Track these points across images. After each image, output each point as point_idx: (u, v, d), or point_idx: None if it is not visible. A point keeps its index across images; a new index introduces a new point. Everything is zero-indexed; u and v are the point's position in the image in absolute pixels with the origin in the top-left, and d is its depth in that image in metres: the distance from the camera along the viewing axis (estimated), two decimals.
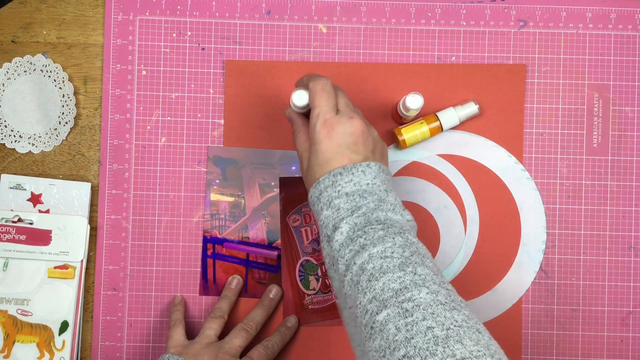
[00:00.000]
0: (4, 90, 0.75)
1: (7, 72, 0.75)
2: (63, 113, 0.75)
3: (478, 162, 0.76)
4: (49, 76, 0.75)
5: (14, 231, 0.73)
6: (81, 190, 0.74)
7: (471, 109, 0.74)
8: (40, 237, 0.73)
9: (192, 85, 0.76)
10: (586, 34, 0.76)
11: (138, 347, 0.75)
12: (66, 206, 0.74)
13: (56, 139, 0.75)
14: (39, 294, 0.73)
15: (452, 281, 0.75)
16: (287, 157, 0.75)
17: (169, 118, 0.76)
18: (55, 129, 0.75)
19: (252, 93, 0.76)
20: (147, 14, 0.76)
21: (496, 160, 0.76)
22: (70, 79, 0.76)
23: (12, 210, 0.73)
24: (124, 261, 0.75)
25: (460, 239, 0.76)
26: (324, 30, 0.76)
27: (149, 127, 0.76)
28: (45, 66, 0.75)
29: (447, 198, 0.76)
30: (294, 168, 0.75)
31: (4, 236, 0.72)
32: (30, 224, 0.73)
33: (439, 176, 0.76)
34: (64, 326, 0.73)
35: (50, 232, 0.73)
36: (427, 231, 0.75)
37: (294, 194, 0.75)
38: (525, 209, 0.76)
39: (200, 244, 0.75)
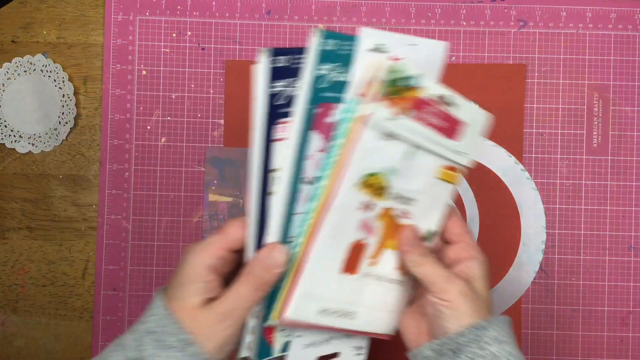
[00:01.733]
0: (4, 90, 0.75)
1: (7, 72, 0.75)
2: (63, 113, 0.75)
3: (478, 162, 0.76)
4: (49, 76, 0.75)
5: (439, 114, 0.54)
6: (437, 51, 0.55)
7: None
8: (453, 128, 0.55)
9: (192, 85, 0.76)
10: (586, 34, 0.76)
11: None
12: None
13: (56, 139, 0.75)
14: (423, 195, 0.56)
15: None
16: None
17: (169, 118, 0.76)
18: (55, 129, 0.75)
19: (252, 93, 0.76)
20: (147, 14, 0.76)
21: (496, 160, 0.76)
22: (70, 79, 0.76)
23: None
24: (124, 261, 0.75)
25: None
26: None
27: (149, 127, 0.76)
28: (45, 66, 0.75)
29: None
30: None
31: (428, 117, 0.53)
32: (447, 107, 0.54)
33: None
34: (429, 236, 0.58)
35: (461, 123, 0.55)
36: None
37: None
38: (525, 209, 0.76)
39: None
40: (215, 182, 0.75)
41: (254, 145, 0.51)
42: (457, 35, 0.76)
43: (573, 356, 0.75)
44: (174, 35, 0.76)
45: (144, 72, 0.76)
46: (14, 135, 0.75)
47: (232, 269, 0.53)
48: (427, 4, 0.76)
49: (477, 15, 0.76)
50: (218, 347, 0.51)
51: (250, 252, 0.52)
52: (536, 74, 0.76)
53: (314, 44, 0.50)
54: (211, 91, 0.76)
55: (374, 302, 0.56)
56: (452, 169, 0.56)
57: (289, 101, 0.51)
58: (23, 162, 0.76)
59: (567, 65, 0.76)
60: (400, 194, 0.54)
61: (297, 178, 0.51)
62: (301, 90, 0.51)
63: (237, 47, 0.76)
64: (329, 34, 0.50)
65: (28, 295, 0.75)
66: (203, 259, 0.51)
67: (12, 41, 0.76)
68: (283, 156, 0.51)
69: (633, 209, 0.76)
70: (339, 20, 0.76)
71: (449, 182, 0.56)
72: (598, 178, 0.76)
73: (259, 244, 0.52)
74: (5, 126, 0.75)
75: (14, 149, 0.75)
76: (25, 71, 0.75)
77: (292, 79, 0.51)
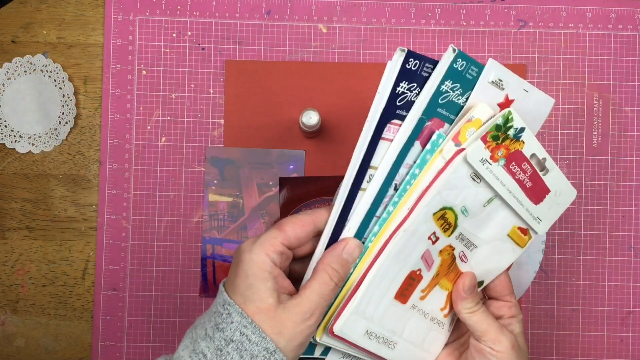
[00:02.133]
0: (4, 90, 0.75)
1: (7, 72, 0.75)
2: (63, 113, 0.75)
3: None
4: (49, 76, 0.75)
5: (529, 174, 0.54)
6: (545, 105, 0.56)
7: None
8: (539, 193, 0.56)
9: (192, 85, 0.76)
10: (586, 34, 0.76)
11: (138, 347, 0.75)
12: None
13: (56, 139, 0.75)
14: (489, 245, 0.57)
15: None
16: (284, 156, 0.75)
17: (169, 118, 0.76)
18: (55, 129, 0.75)
19: (252, 93, 0.76)
20: (147, 14, 0.76)
21: None
22: (70, 79, 0.76)
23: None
24: (124, 261, 0.75)
25: None
26: (324, 30, 0.76)
27: (149, 127, 0.76)
28: (45, 66, 0.75)
29: None
30: (291, 167, 0.75)
31: (518, 174, 0.54)
32: (541, 167, 0.55)
33: None
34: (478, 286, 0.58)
35: (548, 192, 0.56)
36: None
37: (294, 194, 0.75)
38: None
39: (200, 244, 0.75)
40: (215, 182, 0.75)
41: (362, 137, 0.51)
42: (457, 35, 0.76)
43: (573, 356, 0.75)
44: (174, 35, 0.76)
45: (144, 72, 0.76)
46: (14, 135, 0.75)
47: (287, 267, 0.52)
48: (427, 4, 0.76)
49: (477, 15, 0.76)
50: (297, 347, 0.50)
51: (324, 242, 0.52)
52: (536, 74, 0.76)
53: (446, 59, 0.50)
54: (211, 91, 0.76)
55: (413, 337, 0.56)
56: (524, 231, 0.57)
57: (407, 105, 0.51)
58: (23, 162, 0.76)
59: (567, 65, 0.76)
60: (466, 236, 0.55)
61: (390, 182, 0.52)
62: (421, 98, 0.51)
63: (237, 47, 0.76)
64: (462, 55, 0.50)
65: (28, 295, 0.75)
66: (267, 255, 0.49)
67: (12, 41, 0.76)
68: (384, 156, 0.51)
69: (633, 209, 0.76)
70: (339, 20, 0.76)
71: (516, 243, 0.57)
72: (598, 178, 0.76)
73: (336, 236, 0.52)
74: (5, 126, 0.75)
75: (14, 149, 0.75)
76: (25, 71, 0.75)
77: (415, 85, 0.51)
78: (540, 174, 0.55)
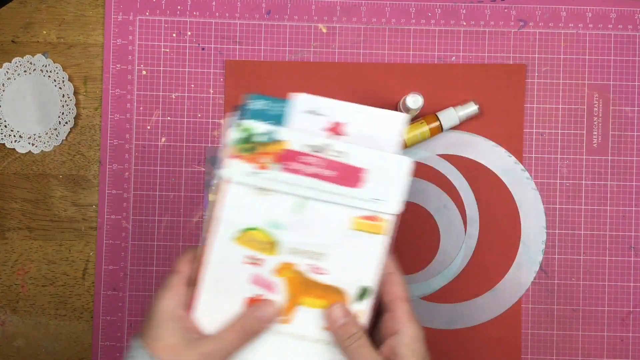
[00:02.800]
0: (4, 90, 0.75)
1: (7, 72, 0.75)
2: (63, 113, 0.75)
3: (478, 162, 0.76)
4: (49, 76, 0.75)
5: (321, 163, 0.53)
6: (394, 120, 0.55)
7: (471, 109, 0.74)
8: (351, 176, 0.54)
9: (192, 85, 0.76)
10: (586, 34, 0.76)
11: None
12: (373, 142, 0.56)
13: (56, 139, 0.75)
14: (338, 248, 0.54)
15: (452, 281, 0.75)
16: None
17: (169, 118, 0.76)
18: (55, 129, 0.75)
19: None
20: (147, 14, 0.76)
21: (496, 160, 0.76)
22: (70, 79, 0.76)
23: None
24: (124, 261, 0.75)
25: (460, 239, 0.76)
26: (324, 30, 0.76)
27: (149, 127, 0.76)
28: (45, 66, 0.75)
29: (447, 198, 0.76)
30: None
31: (307, 168, 0.53)
32: (336, 156, 0.54)
33: (439, 176, 0.76)
34: (363, 293, 0.55)
35: (362, 171, 0.54)
36: (427, 231, 0.75)
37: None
38: (525, 209, 0.76)
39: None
40: (215, 182, 0.75)
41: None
42: (457, 35, 0.76)
43: (573, 356, 0.75)
44: (174, 35, 0.76)
45: (144, 72, 0.76)
46: (14, 135, 0.75)
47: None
48: (427, 4, 0.76)
49: (477, 15, 0.76)
50: None
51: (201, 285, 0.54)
52: (536, 74, 0.76)
53: (244, 103, 0.53)
54: (211, 91, 0.76)
55: None
56: (371, 218, 0.54)
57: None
58: (23, 162, 0.76)
59: (567, 65, 0.76)
60: (302, 248, 0.53)
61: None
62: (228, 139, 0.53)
63: (237, 47, 0.76)
64: (257, 96, 0.53)
65: (28, 295, 0.75)
66: (170, 298, 0.53)
67: (12, 41, 0.76)
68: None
69: (633, 209, 0.76)
70: (339, 20, 0.76)
71: (372, 232, 0.54)
72: (598, 178, 0.76)
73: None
74: (5, 126, 0.75)
75: (14, 149, 0.75)
76: (25, 71, 0.75)
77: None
78: (335, 158, 0.53)
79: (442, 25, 0.76)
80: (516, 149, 0.76)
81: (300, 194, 0.52)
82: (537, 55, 0.76)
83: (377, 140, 0.53)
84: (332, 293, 0.54)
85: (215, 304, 0.53)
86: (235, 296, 0.54)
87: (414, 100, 0.69)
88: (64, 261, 0.75)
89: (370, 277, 0.54)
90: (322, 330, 0.54)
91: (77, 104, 0.76)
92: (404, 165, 0.54)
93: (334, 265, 0.54)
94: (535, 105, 0.76)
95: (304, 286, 0.54)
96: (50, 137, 0.75)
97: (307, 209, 0.53)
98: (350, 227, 0.54)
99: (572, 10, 0.76)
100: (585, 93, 0.76)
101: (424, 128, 0.73)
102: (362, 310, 0.55)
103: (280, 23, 0.76)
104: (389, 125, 0.54)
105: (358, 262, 0.54)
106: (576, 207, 0.76)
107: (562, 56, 0.76)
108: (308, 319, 0.54)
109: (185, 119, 0.76)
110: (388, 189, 0.53)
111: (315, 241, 0.53)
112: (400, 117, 0.54)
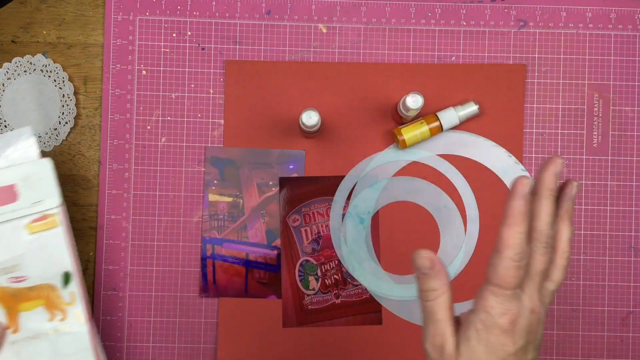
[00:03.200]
0: (4, 90, 0.75)
1: (7, 72, 0.75)
2: (63, 113, 0.75)
3: (478, 162, 0.76)
4: (49, 76, 0.75)
5: None
6: (21, 136, 0.66)
7: (471, 109, 0.74)
8: (5, 195, 0.64)
9: (192, 85, 0.76)
10: (586, 34, 0.76)
11: (138, 347, 0.75)
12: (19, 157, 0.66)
13: (56, 139, 0.75)
14: (27, 254, 0.64)
15: (453, 281, 0.75)
16: (284, 156, 0.75)
17: (169, 118, 0.76)
18: (55, 129, 0.75)
19: (252, 93, 0.76)
20: (147, 14, 0.76)
21: (496, 160, 0.76)
22: (70, 79, 0.76)
23: None
24: (124, 261, 0.75)
25: (460, 239, 0.76)
26: (324, 30, 0.76)
27: (149, 127, 0.76)
28: (45, 66, 0.75)
29: (447, 198, 0.76)
30: (291, 167, 0.75)
31: None
32: None
33: (439, 176, 0.76)
34: (66, 278, 0.66)
35: (13, 186, 0.64)
36: (427, 231, 0.75)
37: (294, 194, 0.75)
38: None
39: (200, 244, 0.75)
40: (215, 182, 0.75)
41: None
42: (457, 35, 0.76)
43: (573, 356, 0.75)
44: (174, 35, 0.76)
45: (144, 72, 0.76)
46: None
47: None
48: (427, 4, 0.76)
49: (477, 15, 0.76)
50: None
51: None
52: (536, 74, 0.76)
53: None
54: (211, 91, 0.76)
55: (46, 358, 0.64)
56: (41, 219, 0.64)
57: None
58: None
59: (567, 65, 0.76)
60: None
61: None
62: None
63: (237, 47, 0.76)
64: None
65: None
66: None
67: (12, 41, 0.76)
68: None
69: (633, 209, 0.76)
70: (339, 20, 0.76)
71: (49, 229, 0.64)
72: (598, 178, 0.76)
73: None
74: (5, 126, 0.75)
75: None
76: (25, 71, 0.75)
77: None
78: None
79: (442, 25, 0.76)
80: (516, 149, 0.76)
81: None
82: (537, 55, 0.76)
83: (14, 157, 0.64)
84: (41, 290, 0.65)
85: None
86: None
87: (414, 100, 0.69)
88: None
89: (65, 263, 0.65)
90: (49, 322, 0.64)
91: (77, 104, 0.76)
92: (45, 165, 0.65)
93: (30, 269, 0.64)
94: (535, 105, 0.76)
95: (15, 297, 0.64)
96: (50, 137, 0.75)
97: None
98: (29, 233, 0.64)
99: (572, 10, 0.76)
100: (585, 93, 0.76)
101: (424, 128, 0.73)
102: (74, 292, 0.65)
103: (280, 23, 0.76)
104: (19, 140, 0.65)
105: (49, 256, 0.64)
106: (576, 207, 0.76)
107: (562, 56, 0.76)
108: (33, 319, 0.64)
109: (185, 119, 0.76)
110: (42, 189, 0.64)
111: (4, 259, 0.63)
112: (24, 130, 0.65)
